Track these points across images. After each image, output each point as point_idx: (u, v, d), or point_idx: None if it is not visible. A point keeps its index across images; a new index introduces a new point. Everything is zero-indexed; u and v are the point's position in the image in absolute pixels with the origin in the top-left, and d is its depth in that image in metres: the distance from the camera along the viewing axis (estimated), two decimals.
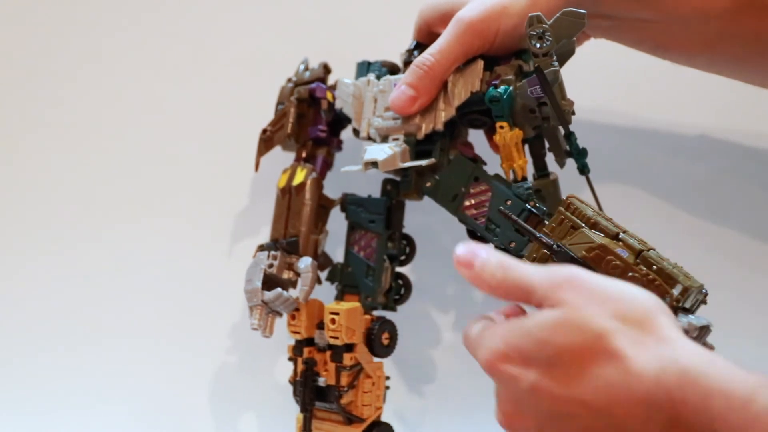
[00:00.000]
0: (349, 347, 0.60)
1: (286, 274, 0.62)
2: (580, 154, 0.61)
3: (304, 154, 0.67)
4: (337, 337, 0.59)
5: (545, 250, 0.51)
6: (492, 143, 0.66)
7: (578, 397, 0.40)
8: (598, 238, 0.49)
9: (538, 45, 0.55)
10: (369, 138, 0.64)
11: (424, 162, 0.59)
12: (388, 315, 0.64)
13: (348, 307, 0.59)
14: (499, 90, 0.56)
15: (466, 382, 0.75)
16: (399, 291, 0.66)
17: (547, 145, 0.61)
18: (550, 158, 0.60)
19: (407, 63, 0.65)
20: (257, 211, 0.76)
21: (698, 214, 0.74)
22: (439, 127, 0.60)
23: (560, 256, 0.49)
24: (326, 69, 0.70)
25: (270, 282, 0.61)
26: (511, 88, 0.57)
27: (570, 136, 0.60)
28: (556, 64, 0.56)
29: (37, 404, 0.80)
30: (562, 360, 0.40)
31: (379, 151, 0.59)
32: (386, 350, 0.62)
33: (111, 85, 0.83)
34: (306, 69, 0.71)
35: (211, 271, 0.78)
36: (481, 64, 0.59)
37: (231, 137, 0.78)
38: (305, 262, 0.61)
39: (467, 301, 0.76)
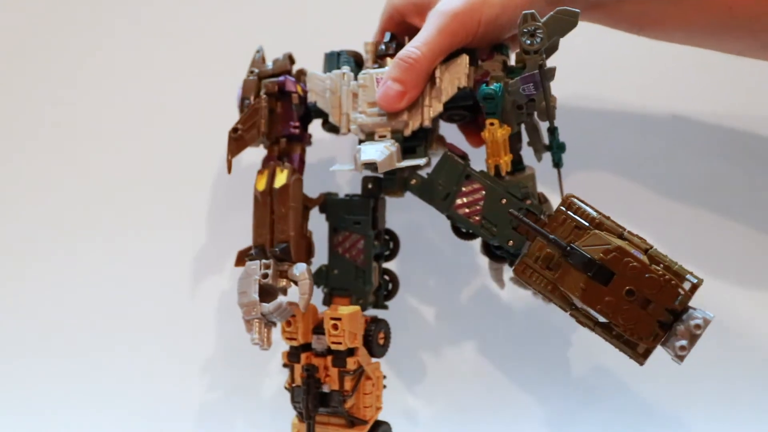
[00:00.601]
0: (351, 351, 0.59)
1: (280, 282, 0.59)
2: (560, 148, 0.62)
3: (277, 152, 0.64)
4: (340, 342, 0.58)
5: (558, 252, 0.52)
6: (471, 137, 0.66)
7: None
8: (613, 239, 0.50)
9: (528, 42, 0.56)
10: (350, 134, 0.62)
11: (422, 161, 0.58)
12: (379, 313, 0.64)
13: (349, 311, 0.58)
14: (493, 87, 0.56)
15: (455, 374, 0.77)
16: (386, 287, 0.65)
17: (525, 139, 0.62)
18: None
19: (383, 56, 0.63)
20: (233, 214, 0.74)
21: (674, 197, 0.77)
22: (427, 123, 0.59)
23: (575, 257, 0.50)
24: (291, 60, 0.66)
25: (264, 292, 0.58)
26: (501, 85, 0.57)
27: (555, 131, 0.61)
28: (545, 61, 0.56)
29: (37, 405, 0.79)
30: None
31: (376, 152, 0.56)
32: (382, 350, 0.62)
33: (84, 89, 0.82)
34: (263, 59, 0.67)
35: (196, 277, 0.77)
36: (466, 59, 0.59)
37: (197, 138, 0.76)
38: (300, 269, 0.58)
39: (453, 295, 0.78)
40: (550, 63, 0.58)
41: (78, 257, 0.81)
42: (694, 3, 0.60)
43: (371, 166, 0.57)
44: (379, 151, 0.57)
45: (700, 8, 0.60)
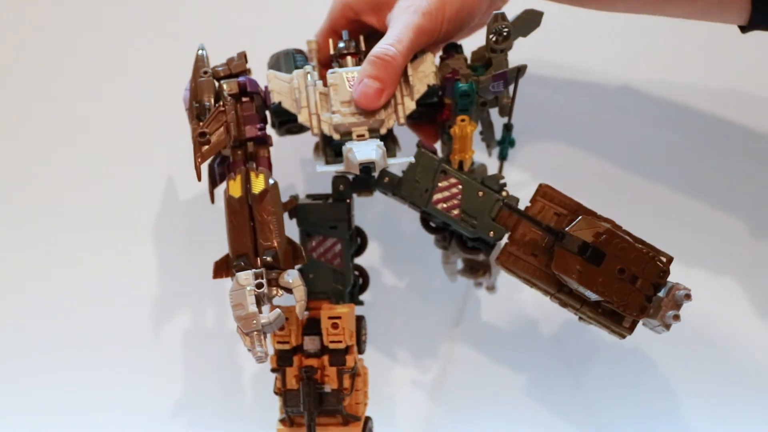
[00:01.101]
0: (347, 348, 0.60)
1: (272, 291, 0.56)
2: (510, 143, 0.67)
3: (243, 156, 0.61)
4: (340, 341, 0.58)
5: (551, 238, 0.55)
6: (426, 134, 0.68)
7: None
8: (601, 222, 0.55)
9: (496, 41, 0.59)
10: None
11: (412, 159, 0.59)
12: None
13: (347, 309, 0.59)
14: (467, 85, 0.59)
15: (434, 362, 0.79)
16: (357, 283, 0.66)
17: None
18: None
19: (343, 55, 0.63)
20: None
21: (622, 166, 0.82)
22: (402, 121, 0.60)
23: (570, 242, 0.54)
24: (245, 59, 0.64)
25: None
26: (473, 82, 0.60)
27: (511, 127, 0.65)
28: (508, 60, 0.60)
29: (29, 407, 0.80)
30: None
31: (371, 151, 0.55)
32: (364, 345, 0.63)
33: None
34: (207, 57, 0.65)
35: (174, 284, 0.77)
36: (432, 56, 0.61)
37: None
38: (294, 276, 0.56)
39: (423, 287, 0.81)
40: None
41: (72, 263, 0.81)
42: None
43: (366, 166, 0.55)
44: (373, 150, 0.56)
45: None
